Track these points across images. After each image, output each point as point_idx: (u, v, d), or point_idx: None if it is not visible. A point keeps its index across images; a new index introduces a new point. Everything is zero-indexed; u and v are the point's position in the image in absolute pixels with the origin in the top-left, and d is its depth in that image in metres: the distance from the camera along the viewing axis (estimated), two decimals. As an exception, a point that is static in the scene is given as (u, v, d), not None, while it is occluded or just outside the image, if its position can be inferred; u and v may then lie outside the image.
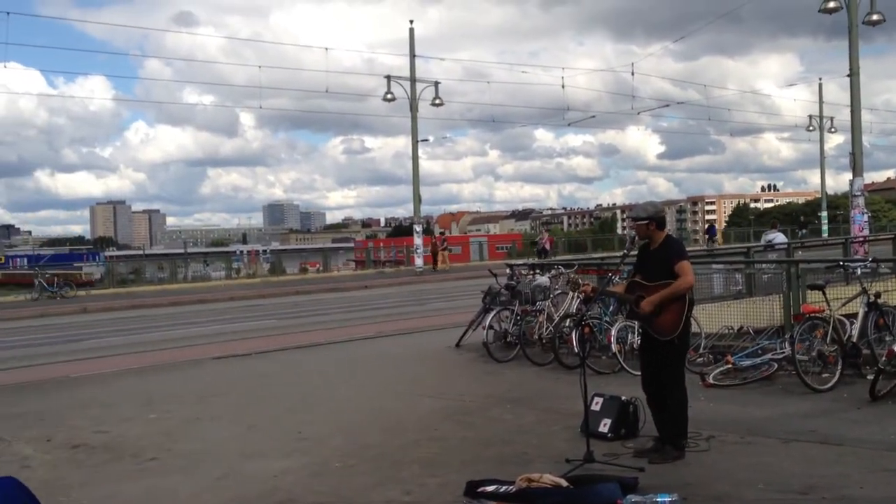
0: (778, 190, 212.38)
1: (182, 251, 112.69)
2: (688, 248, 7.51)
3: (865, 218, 25.34)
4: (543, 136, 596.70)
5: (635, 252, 7.57)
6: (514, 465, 6.65)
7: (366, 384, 11.17)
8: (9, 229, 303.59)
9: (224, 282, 40.15)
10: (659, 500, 5.52)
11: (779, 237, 22.60)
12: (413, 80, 39.69)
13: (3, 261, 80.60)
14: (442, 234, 59.68)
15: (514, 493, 5.87)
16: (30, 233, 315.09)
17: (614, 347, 10.80)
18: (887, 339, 9.67)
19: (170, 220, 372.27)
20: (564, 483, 5.91)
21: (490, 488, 6.00)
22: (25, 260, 77.05)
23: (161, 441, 8.25)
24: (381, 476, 6.66)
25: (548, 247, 44.18)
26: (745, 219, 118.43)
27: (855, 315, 9.93)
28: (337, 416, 9.11)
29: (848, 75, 24.65)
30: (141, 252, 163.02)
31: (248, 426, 8.82)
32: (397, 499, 6.05)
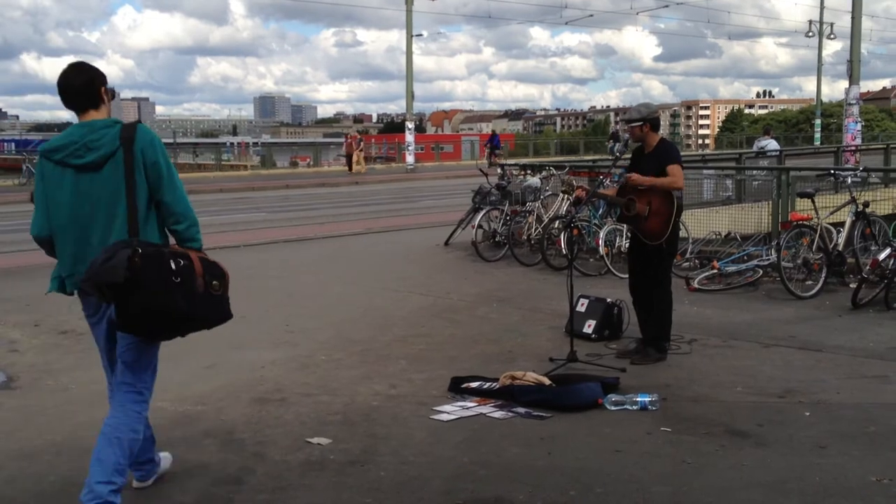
0: (773, 96, 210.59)
1: (171, 140, 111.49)
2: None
3: (858, 127, 25.25)
4: (539, 35, 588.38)
5: (628, 156, 7.53)
6: (498, 363, 6.75)
7: (354, 280, 11.22)
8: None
9: (213, 173, 39.88)
10: (639, 399, 5.63)
11: (771, 144, 22.47)
12: (408, -30, 38.78)
13: (-10, 145, 79.83)
14: (357, 133, 57.83)
15: (497, 389, 5.97)
16: (17, 117, 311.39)
17: (602, 250, 10.86)
18: (872, 248, 9.77)
19: (159, 109, 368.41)
20: (547, 381, 6.00)
21: (474, 384, 6.11)
22: (13, 144, 76.16)
23: (150, 330, 8.28)
24: (367, 370, 6.75)
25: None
26: (738, 125, 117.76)
27: (842, 224, 9.99)
28: (325, 311, 9.18)
29: (851, -20, 24.20)
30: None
31: (237, 318, 8.84)
32: (383, 392, 6.15)
